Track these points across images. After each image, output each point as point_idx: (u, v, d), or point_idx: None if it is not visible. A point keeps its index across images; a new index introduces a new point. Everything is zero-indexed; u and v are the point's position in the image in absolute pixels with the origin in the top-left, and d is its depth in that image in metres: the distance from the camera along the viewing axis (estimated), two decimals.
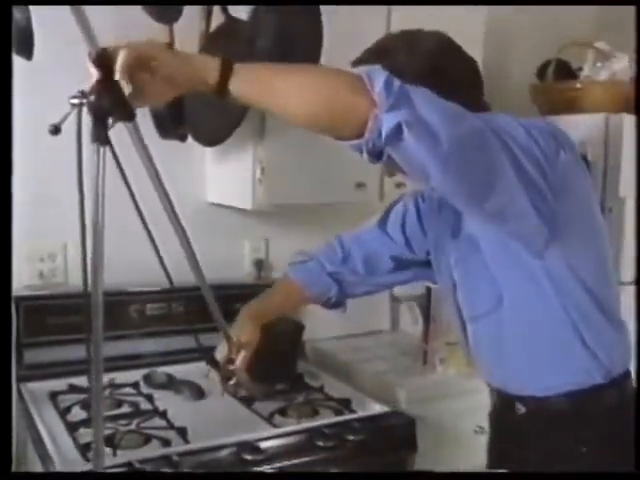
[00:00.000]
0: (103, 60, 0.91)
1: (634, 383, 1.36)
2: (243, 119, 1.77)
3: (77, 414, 1.71)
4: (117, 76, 0.91)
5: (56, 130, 0.88)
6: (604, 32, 2.58)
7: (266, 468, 1.52)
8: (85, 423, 1.62)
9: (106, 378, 1.81)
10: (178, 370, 2.01)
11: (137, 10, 1.74)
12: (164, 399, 1.85)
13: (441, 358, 2.15)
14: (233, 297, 1.92)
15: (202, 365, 1.82)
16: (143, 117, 0.98)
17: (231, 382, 1.55)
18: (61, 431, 1.61)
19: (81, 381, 1.83)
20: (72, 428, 1.61)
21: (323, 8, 1.75)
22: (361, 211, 1.96)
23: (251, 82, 0.99)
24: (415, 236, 1.58)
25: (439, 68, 1.22)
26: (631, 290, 2.09)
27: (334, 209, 2.22)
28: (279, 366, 1.89)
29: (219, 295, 1.28)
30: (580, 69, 2.47)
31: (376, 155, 1.00)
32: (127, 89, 0.92)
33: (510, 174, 1.09)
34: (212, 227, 2.19)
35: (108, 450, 1.47)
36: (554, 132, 1.20)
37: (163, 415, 1.72)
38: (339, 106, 0.97)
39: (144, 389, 1.92)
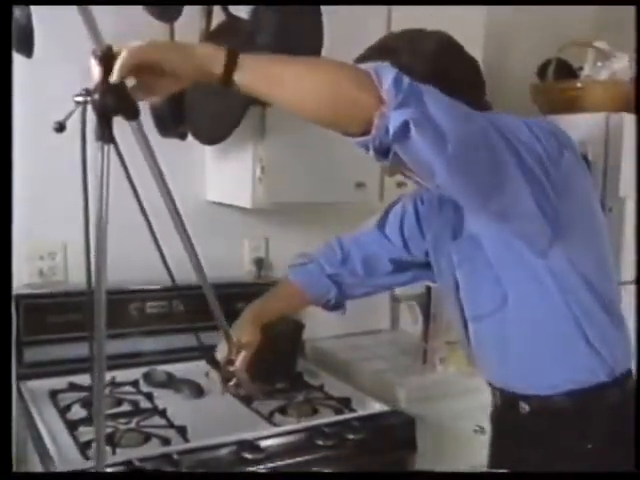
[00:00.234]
0: (108, 58, 0.91)
1: (635, 381, 1.36)
2: (243, 118, 1.77)
3: (77, 412, 1.71)
4: (114, 78, 0.91)
5: (61, 127, 0.87)
6: (604, 32, 2.59)
7: (266, 467, 1.52)
8: (85, 422, 1.63)
9: (106, 376, 1.80)
10: (178, 369, 2.01)
11: (138, 10, 1.73)
12: (164, 398, 1.85)
13: (441, 357, 2.15)
14: (233, 296, 1.93)
15: (202, 364, 1.83)
16: (143, 115, 0.98)
17: (231, 383, 1.55)
18: (61, 430, 1.61)
19: (81, 379, 1.83)
20: (72, 427, 1.61)
21: (323, 8, 1.75)
22: (361, 211, 1.97)
23: (256, 73, 0.98)
24: (413, 238, 1.58)
25: (441, 68, 1.22)
26: (631, 289, 2.09)
27: (334, 208, 2.22)
28: (279, 365, 1.89)
29: (219, 294, 1.28)
30: (580, 69, 2.47)
31: (383, 152, 1.00)
32: (130, 82, 0.92)
33: (515, 173, 1.09)
34: (212, 226, 2.19)
35: (108, 448, 1.47)
36: (555, 132, 1.21)
37: (163, 414, 1.72)
38: (344, 101, 0.97)
39: (144, 387, 1.92)
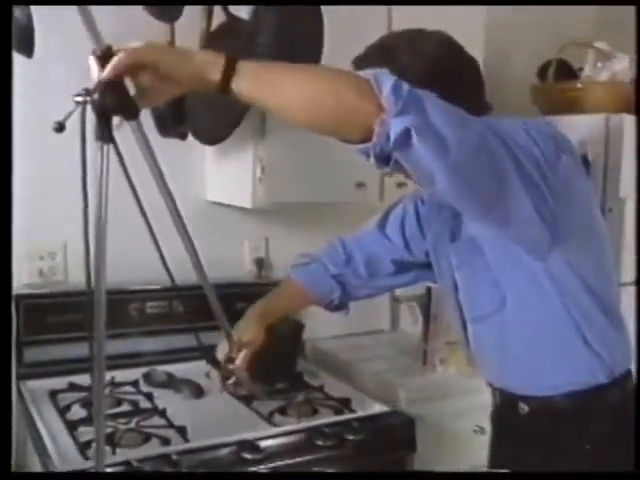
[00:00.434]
0: (107, 58, 0.91)
1: (634, 381, 1.36)
2: (244, 118, 1.77)
3: (77, 412, 1.71)
4: (104, 75, 0.91)
5: (60, 127, 0.87)
6: (604, 32, 2.59)
7: (266, 467, 1.52)
8: (85, 422, 1.63)
9: (106, 376, 1.80)
10: (178, 369, 2.01)
11: (138, 9, 1.73)
12: (164, 398, 1.85)
13: (441, 358, 2.15)
14: (233, 296, 1.93)
15: (202, 364, 1.83)
16: (143, 115, 0.98)
17: (230, 381, 1.55)
18: (60, 430, 1.61)
19: (81, 379, 1.83)
20: (72, 427, 1.61)
21: (323, 8, 1.75)
22: (361, 211, 1.96)
23: (254, 81, 0.97)
24: (414, 238, 1.58)
25: (441, 68, 1.22)
26: (631, 290, 2.09)
27: (334, 208, 2.22)
28: (279, 365, 1.89)
29: (219, 294, 1.28)
30: (581, 69, 2.47)
31: (383, 160, 0.99)
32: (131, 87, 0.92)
33: (514, 179, 1.09)
34: (212, 226, 2.19)
35: (107, 448, 1.47)
36: (554, 135, 1.20)
37: (163, 414, 1.72)
38: (344, 108, 0.97)
39: (144, 388, 1.92)
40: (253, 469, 1.51)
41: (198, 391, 1.88)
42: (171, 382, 1.94)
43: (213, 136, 1.91)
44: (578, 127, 2.14)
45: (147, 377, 1.97)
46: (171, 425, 1.65)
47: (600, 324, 1.27)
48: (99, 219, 0.92)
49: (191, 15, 1.85)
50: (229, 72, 0.95)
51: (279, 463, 1.55)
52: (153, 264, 1.16)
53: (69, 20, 1.02)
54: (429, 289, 2.21)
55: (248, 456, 1.51)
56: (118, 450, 1.50)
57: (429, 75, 1.17)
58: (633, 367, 1.36)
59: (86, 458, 1.46)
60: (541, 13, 2.71)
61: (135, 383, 1.93)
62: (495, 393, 1.44)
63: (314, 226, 2.30)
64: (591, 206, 1.30)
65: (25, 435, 1.73)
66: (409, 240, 1.59)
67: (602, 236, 1.31)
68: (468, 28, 1.88)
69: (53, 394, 1.81)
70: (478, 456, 1.53)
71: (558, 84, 2.46)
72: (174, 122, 1.94)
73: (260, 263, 2.31)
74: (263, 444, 1.56)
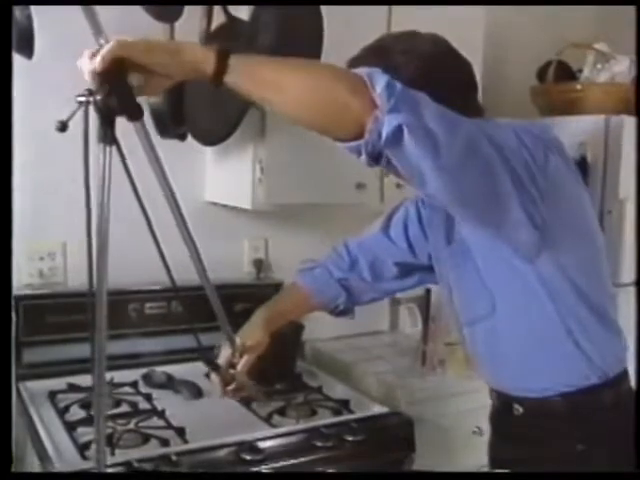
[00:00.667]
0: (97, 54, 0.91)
1: (631, 382, 1.36)
2: (243, 118, 1.77)
3: (76, 413, 1.71)
4: (98, 66, 0.91)
5: (63, 127, 0.87)
6: (604, 32, 2.59)
7: (265, 468, 1.52)
8: (84, 422, 1.62)
9: (105, 377, 1.80)
10: (177, 370, 2.01)
11: (138, 10, 1.73)
12: (163, 398, 1.84)
13: (440, 359, 2.15)
14: (232, 297, 1.93)
15: (201, 365, 1.83)
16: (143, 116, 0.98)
17: (230, 387, 1.53)
18: (60, 430, 1.61)
19: (80, 380, 1.83)
20: (71, 427, 1.61)
21: (323, 8, 1.75)
22: (361, 212, 1.96)
23: (247, 75, 0.98)
24: (417, 241, 1.58)
25: (435, 71, 1.22)
26: (631, 291, 2.09)
27: (334, 209, 2.22)
28: (278, 366, 1.89)
29: (218, 295, 1.28)
30: (580, 71, 2.48)
31: (374, 157, 0.99)
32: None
33: (505, 181, 1.09)
34: (212, 227, 2.18)
35: (106, 449, 1.46)
36: (542, 136, 1.20)
37: (162, 414, 1.72)
38: (336, 104, 0.97)
39: (143, 388, 1.91)
40: (252, 470, 1.51)
41: (197, 392, 1.88)
42: (170, 383, 1.94)
43: (212, 137, 1.91)
44: (577, 128, 2.14)
45: (146, 378, 1.96)
46: (170, 426, 1.65)
47: (591, 326, 1.27)
48: (101, 220, 0.92)
49: (191, 16, 1.85)
50: (221, 67, 0.96)
51: (278, 464, 1.54)
52: (152, 265, 1.16)
53: (69, 21, 1.03)
54: (428, 291, 2.21)
55: (247, 457, 1.51)
56: (117, 451, 1.50)
57: (422, 76, 1.17)
58: (631, 367, 1.36)
59: (85, 459, 1.46)
60: (541, 13, 2.71)
61: (134, 384, 1.93)
62: (493, 394, 1.44)
63: (314, 227, 2.30)
64: (583, 207, 1.29)
65: (24, 436, 1.73)
66: (413, 242, 1.59)
67: (594, 237, 1.31)
68: (468, 29, 1.89)
69: (52, 395, 1.81)
70: (477, 457, 1.53)
71: (557, 85, 2.47)
72: (174, 123, 1.94)
73: (259, 264, 2.31)
74: (262, 445, 1.56)
